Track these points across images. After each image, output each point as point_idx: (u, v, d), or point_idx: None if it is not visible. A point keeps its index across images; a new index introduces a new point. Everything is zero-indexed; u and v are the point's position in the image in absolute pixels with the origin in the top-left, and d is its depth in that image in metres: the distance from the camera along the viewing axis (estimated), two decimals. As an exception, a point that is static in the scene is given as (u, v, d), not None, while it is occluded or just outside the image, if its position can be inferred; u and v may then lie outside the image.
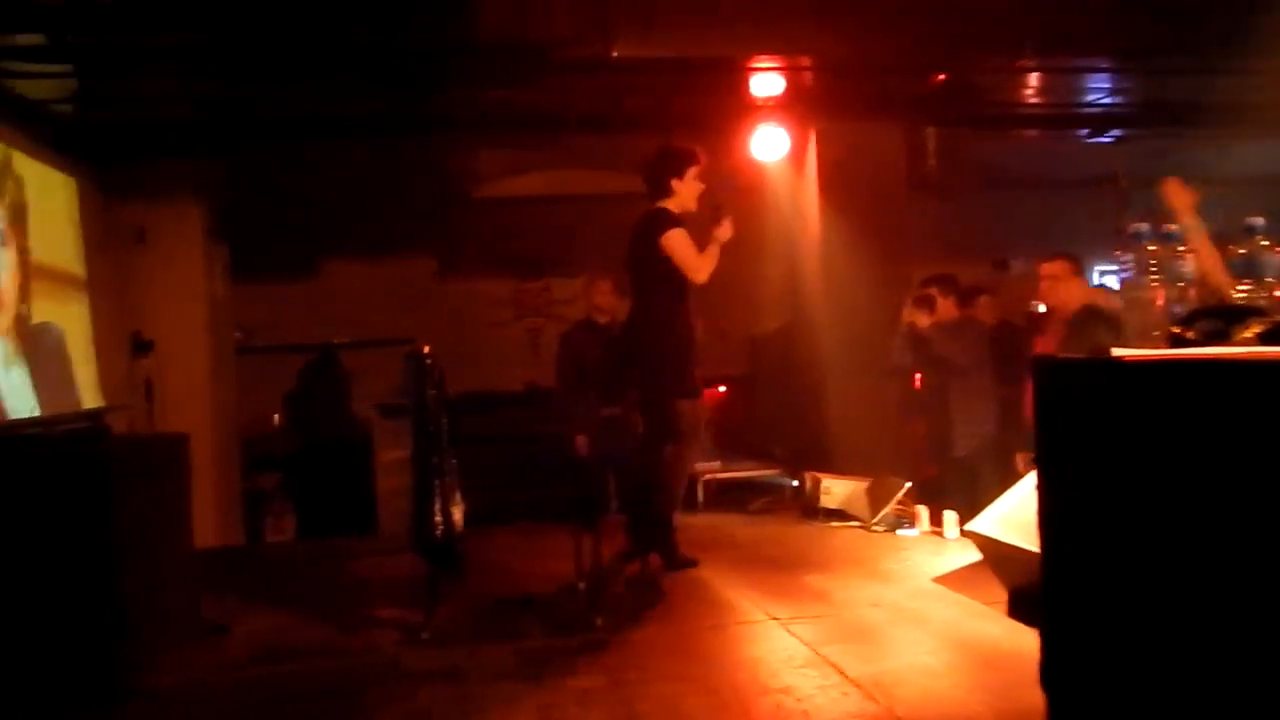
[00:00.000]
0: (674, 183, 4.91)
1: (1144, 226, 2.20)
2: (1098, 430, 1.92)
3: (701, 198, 4.94)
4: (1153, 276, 2.18)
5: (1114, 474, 1.89)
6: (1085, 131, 7.38)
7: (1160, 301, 2.17)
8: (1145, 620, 1.89)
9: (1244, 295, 2.06)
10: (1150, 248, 2.20)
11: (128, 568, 3.44)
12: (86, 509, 3.32)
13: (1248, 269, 2.06)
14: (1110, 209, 7.57)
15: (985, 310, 6.28)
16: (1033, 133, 7.57)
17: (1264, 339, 1.81)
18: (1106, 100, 6.82)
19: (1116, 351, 1.88)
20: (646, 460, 4.93)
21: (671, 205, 4.91)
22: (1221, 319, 1.90)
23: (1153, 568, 1.86)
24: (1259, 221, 2.05)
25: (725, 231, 4.84)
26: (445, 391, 4.01)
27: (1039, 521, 2.14)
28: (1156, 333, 2.10)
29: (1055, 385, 2.04)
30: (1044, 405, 2.07)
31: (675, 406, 4.86)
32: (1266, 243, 2.04)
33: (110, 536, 3.34)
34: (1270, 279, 2.03)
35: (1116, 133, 7.30)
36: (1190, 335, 1.91)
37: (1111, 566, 1.96)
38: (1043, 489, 2.12)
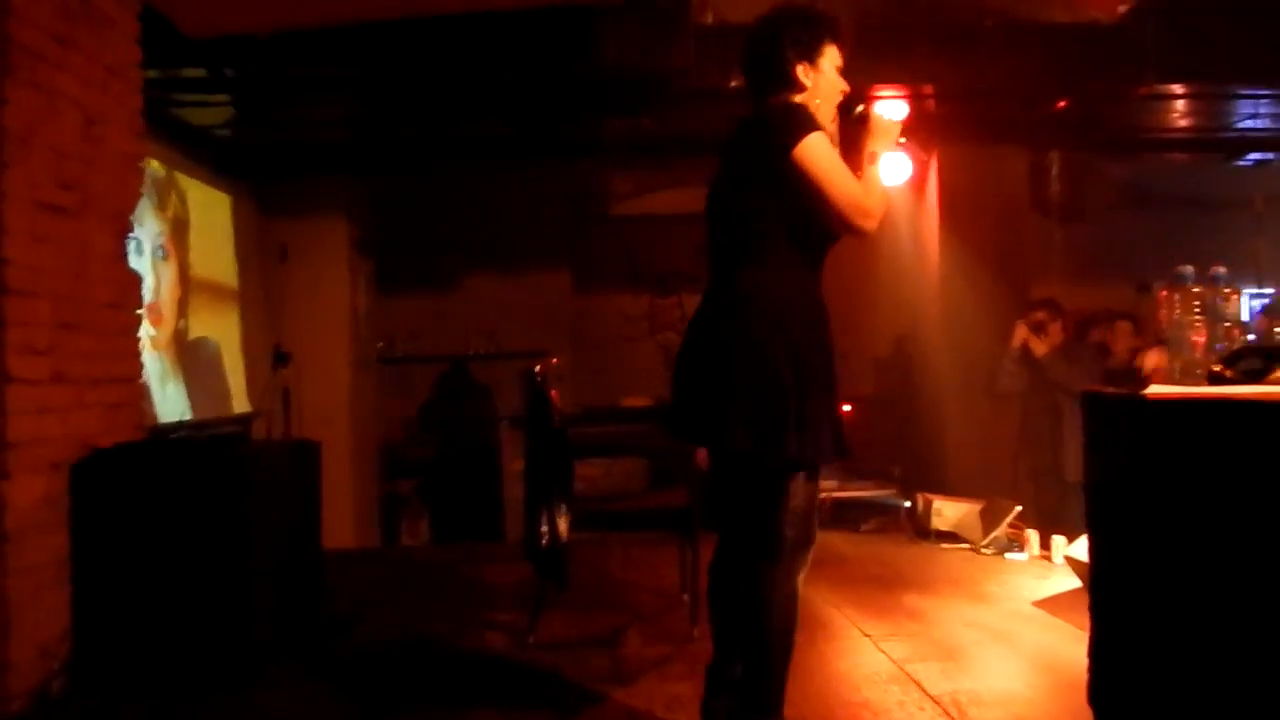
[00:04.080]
0: (801, 69, 2.73)
1: (1188, 269, 2.29)
2: (1135, 465, 2.03)
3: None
4: (1195, 317, 2.26)
5: (1149, 507, 2.00)
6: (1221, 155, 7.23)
7: (1202, 340, 2.25)
8: (1182, 645, 1.99)
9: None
10: (1194, 289, 2.29)
11: (261, 563, 3.72)
12: (225, 508, 3.62)
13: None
14: (1258, 230, 7.38)
15: (1122, 337, 6.16)
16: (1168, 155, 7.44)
17: (1299, 378, 1.90)
18: (1243, 124, 6.66)
19: (1152, 389, 1.99)
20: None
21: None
22: (1262, 358, 1.98)
23: (1189, 596, 1.96)
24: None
25: (883, 136, 2.73)
26: (557, 405, 4.25)
27: (1089, 551, 2.25)
28: (1199, 371, 2.19)
29: (1098, 420, 2.15)
30: (1091, 439, 2.18)
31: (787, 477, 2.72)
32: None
33: (246, 533, 3.63)
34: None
35: (1255, 156, 7.12)
36: (1229, 374, 1.99)
37: (1152, 595, 2.06)
38: (1090, 519, 2.23)
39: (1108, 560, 2.19)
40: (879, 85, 5.87)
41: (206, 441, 4.43)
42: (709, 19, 5.35)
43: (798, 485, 2.59)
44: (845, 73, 2.84)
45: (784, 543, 2.59)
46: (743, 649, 2.69)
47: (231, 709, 3.40)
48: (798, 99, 2.71)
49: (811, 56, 2.72)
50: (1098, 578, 2.23)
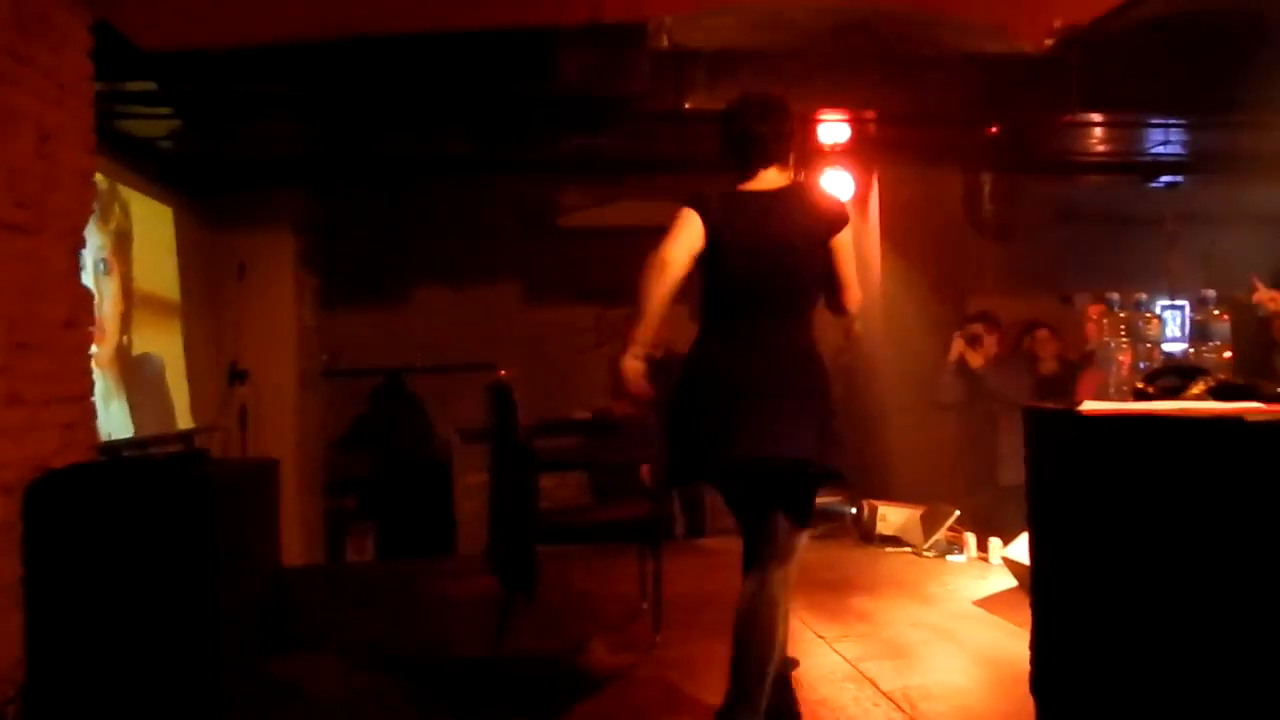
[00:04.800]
0: (792, 156, 3.24)
1: (1115, 296, 2.49)
2: (1071, 472, 2.21)
3: None
4: (1122, 339, 2.47)
5: (1084, 510, 2.18)
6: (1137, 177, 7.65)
7: (1127, 360, 2.45)
8: (1116, 636, 2.17)
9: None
10: (1121, 314, 2.50)
11: (226, 584, 3.71)
12: (187, 527, 3.58)
13: (1203, 334, 2.35)
14: (1170, 246, 7.83)
15: (1044, 345, 6.47)
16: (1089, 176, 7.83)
17: (1211, 394, 2.10)
18: (1156, 149, 7.06)
19: (1086, 406, 2.17)
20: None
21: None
22: (1179, 377, 2.18)
23: (1121, 591, 2.14)
24: (1210, 294, 2.35)
25: None
26: (520, 420, 4.35)
27: (1030, 553, 2.42)
28: (1125, 387, 2.39)
29: (1038, 432, 2.33)
30: (1031, 450, 2.36)
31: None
32: (1217, 311, 2.34)
33: (210, 554, 3.61)
34: (1219, 342, 2.33)
35: (1167, 179, 7.54)
36: (1151, 390, 2.19)
37: (1087, 591, 2.24)
38: (1031, 523, 2.41)
39: (1047, 560, 2.37)
40: (824, 109, 6.10)
41: (166, 460, 4.40)
42: (664, 43, 5.52)
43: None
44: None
45: (795, 547, 3.08)
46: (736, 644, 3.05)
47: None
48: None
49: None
50: (1038, 576, 2.41)
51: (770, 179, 3.15)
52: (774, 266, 3.06)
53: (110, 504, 3.61)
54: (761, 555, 3.08)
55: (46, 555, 3.54)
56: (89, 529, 3.57)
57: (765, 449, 2.98)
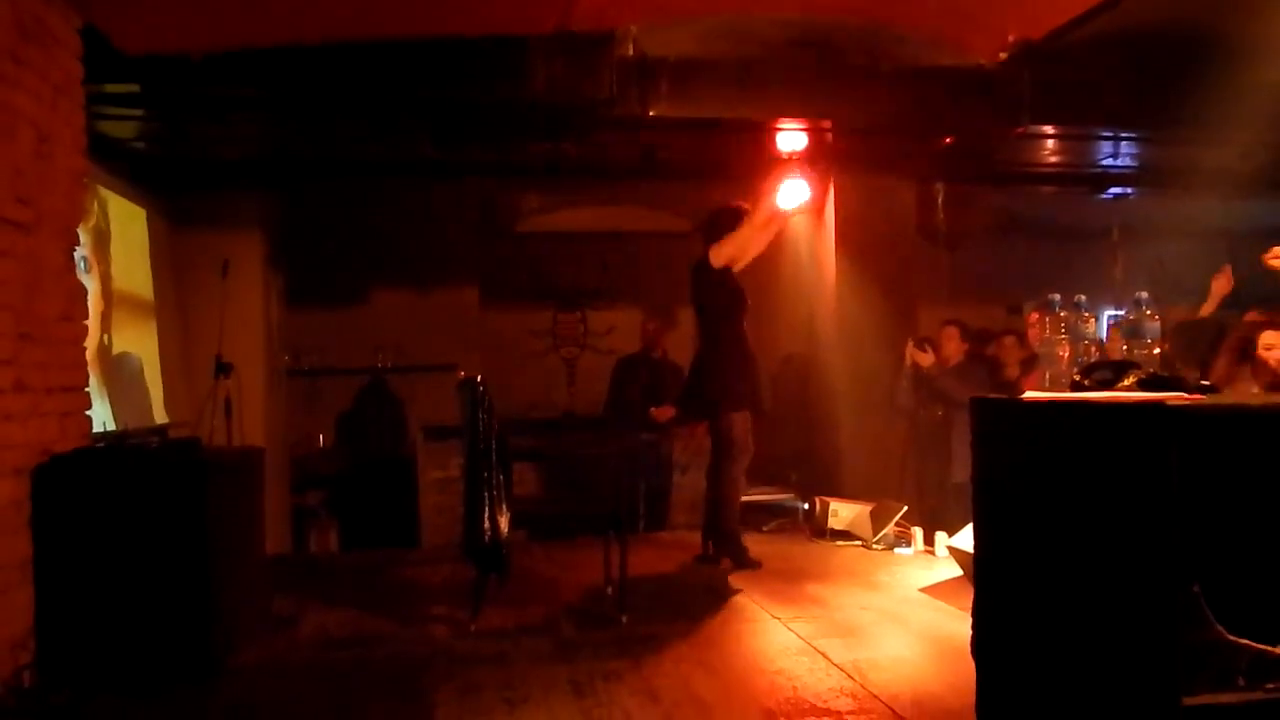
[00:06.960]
0: (728, 235, 5.72)
1: (1056, 297, 2.78)
2: (1012, 454, 2.49)
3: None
4: (1061, 336, 2.76)
5: (1024, 489, 2.45)
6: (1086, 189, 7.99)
7: (1066, 356, 2.74)
8: (1045, 602, 2.45)
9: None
10: (1061, 314, 2.79)
11: (217, 561, 3.93)
12: (183, 507, 3.83)
13: (1134, 332, 2.64)
14: (1115, 257, 8.20)
15: (1009, 351, 6.74)
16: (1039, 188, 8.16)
17: (1140, 386, 2.38)
18: (1104, 162, 7.38)
19: (1028, 394, 2.44)
20: (712, 476, 5.72)
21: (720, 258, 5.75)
22: (1111, 370, 2.46)
23: (1053, 562, 2.42)
24: (1144, 295, 2.64)
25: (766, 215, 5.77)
26: (494, 415, 4.56)
27: (974, 529, 2.70)
28: (1063, 379, 2.67)
29: (984, 420, 2.61)
30: (977, 436, 2.63)
31: (726, 419, 5.58)
32: (1149, 312, 2.63)
33: (203, 535, 3.85)
34: (1150, 340, 2.61)
35: (1115, 190, 7.89)
36: (1086, 382, 2.47)
37: (1023, 562, 2.52)
38: (976, 501, 2.68)
39: (989, 533, 2.64)
40: (782, 118, 6.37)
41: (164, 446, 4.58)
42: (630, 51, 5.70)
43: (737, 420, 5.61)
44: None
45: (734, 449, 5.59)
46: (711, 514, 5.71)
47: (200, 699, 3.64)
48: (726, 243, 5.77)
49: (735, 227, 5.77)
50: (980, 550, 2.68)
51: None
52: (697, 305, 5.85)
53: (113, 485, 3.83)
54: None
55: (54, 533, 3.76)
56: (93, 509, 3.79)
57: (699, 405, 5.75)
